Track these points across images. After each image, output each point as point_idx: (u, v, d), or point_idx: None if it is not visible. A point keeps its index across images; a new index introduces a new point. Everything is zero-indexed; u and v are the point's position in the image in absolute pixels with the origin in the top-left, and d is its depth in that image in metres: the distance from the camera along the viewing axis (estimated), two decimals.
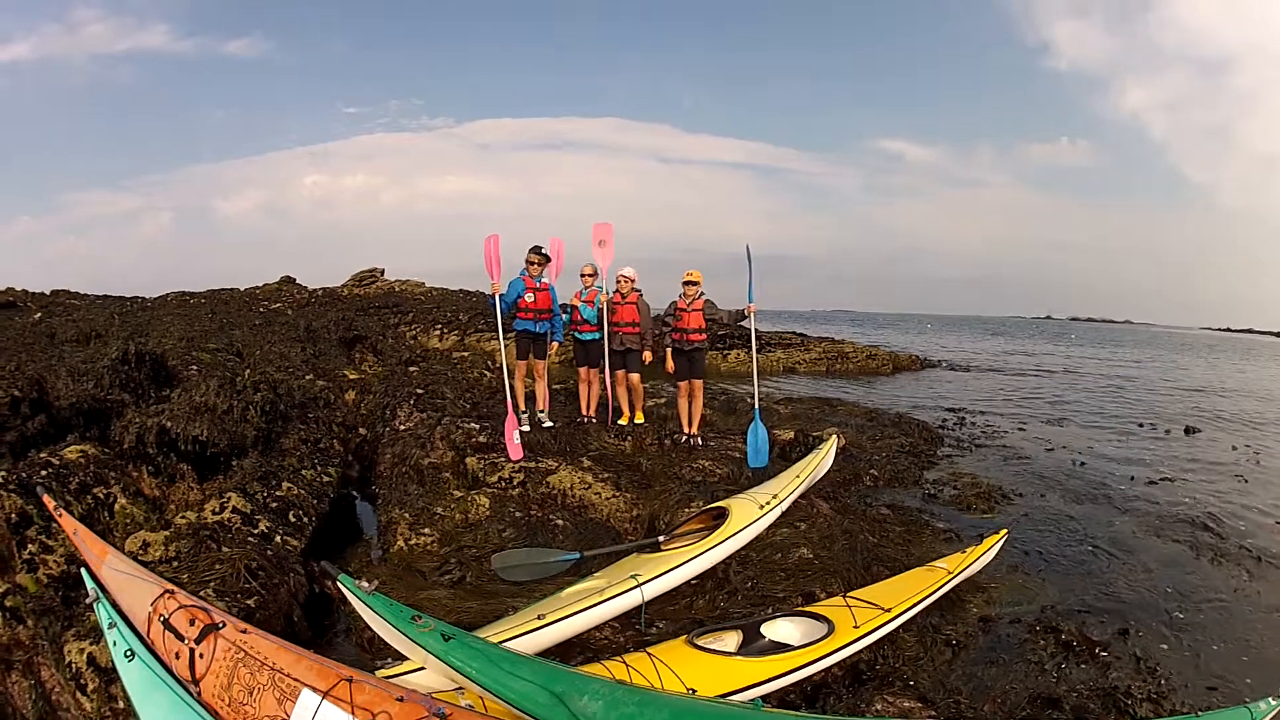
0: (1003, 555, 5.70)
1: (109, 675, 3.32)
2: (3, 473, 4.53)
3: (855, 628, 4.11)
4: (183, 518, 4.91)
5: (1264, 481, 9.24)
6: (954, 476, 8.76)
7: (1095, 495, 8.33)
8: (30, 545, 4.19)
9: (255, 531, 4.95)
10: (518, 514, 6.17)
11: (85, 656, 3.42)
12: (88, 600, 3.27)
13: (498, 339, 7.82)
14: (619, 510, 6.37)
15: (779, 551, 5.42)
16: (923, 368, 24.46)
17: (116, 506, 4.95)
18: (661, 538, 5.27)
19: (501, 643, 3.55)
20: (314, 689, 2.63)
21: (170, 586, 3.36)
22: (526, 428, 7.69)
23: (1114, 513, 7.66)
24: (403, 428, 8.36)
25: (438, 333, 22.92)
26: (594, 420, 8.53)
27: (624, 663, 3.49)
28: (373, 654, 4.03)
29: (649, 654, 3.61)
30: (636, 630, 4.46)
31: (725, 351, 20.68)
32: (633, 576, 4.49)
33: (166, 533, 4.67)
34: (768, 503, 5.68)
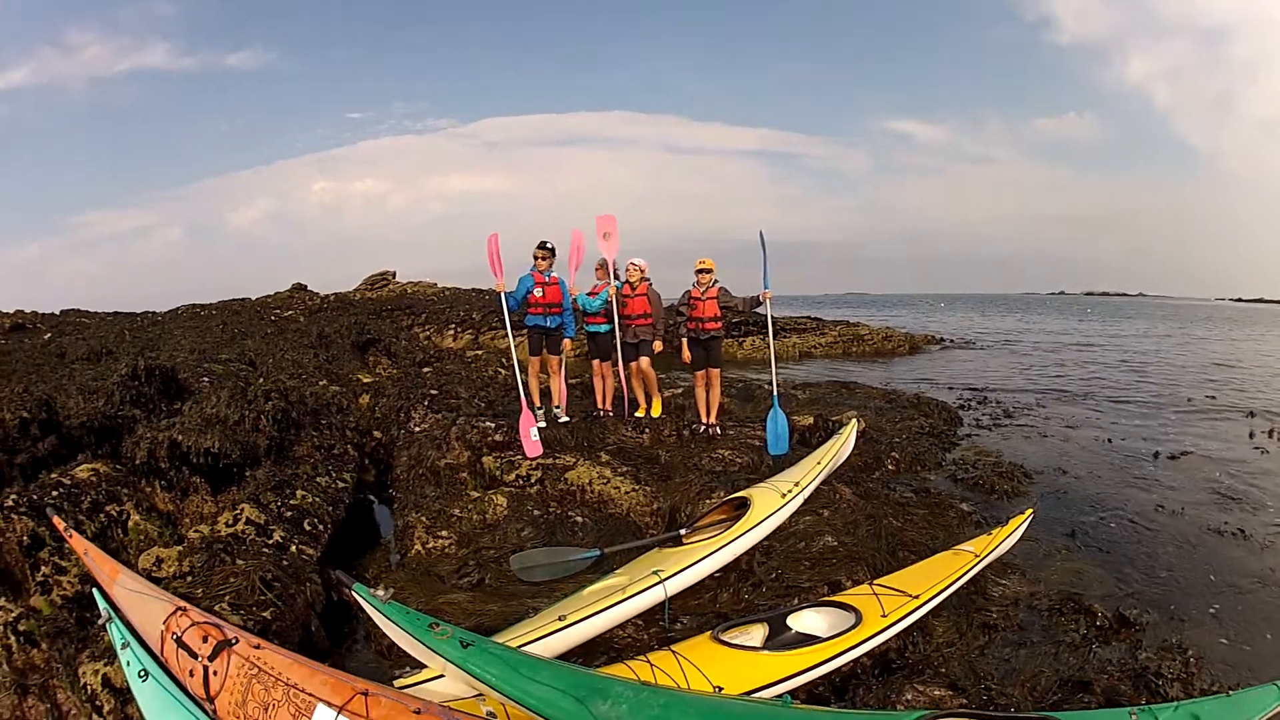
0: (1029, 536, 5.59)
1: (124, 696, 3.28)
2: (14, 495, 4.50)
3: (883, 616, 4.02)
4: (196, 532, 4.87)
5: None
6: (976, 456, 8.62)
7: (1119, 472, 8.19)
8: (44, 567, 4.16)
9: (270, 542, 4.89)
10: (536, 512, 6.10)
11: (100, 678, 3.38)
12: (101, 621, 3.23)
13: (509, 336, 7.76)
14: (639, 504, 6.29)
15: (803, 540, 5.33)
16: (939, 347, 24.31)
17: (130, 523, 4.91)
18: (683, 531, 5.19)
19: (522, 646, 3.49)
20: (329, 704, 2.57)
21: (182, 604, 3.31)
22: (543, 424, 7.62)
23: (1138, 490, 7.53)
24: (418, 429, 8.31)
25: (451, 332, 22.93)
26: (610, 414, 8.46)
27: (648, 662, 3.42)
28: (392, 661, 3.98)
29: (673, 652, 3.54)
30: (660, 627, 4.39)
31: (741, 339, 20.57)
32: (655, 572, 4.42)
33: (180, 548, 4.63)
34: (790, 490, 5.58)
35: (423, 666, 3.14)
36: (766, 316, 8.37)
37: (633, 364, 8.26)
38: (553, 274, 7.85)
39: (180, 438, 5.65)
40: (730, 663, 3.53)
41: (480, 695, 2.93)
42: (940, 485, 7.45)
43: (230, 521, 5.00)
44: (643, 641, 4.24)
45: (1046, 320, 45.98)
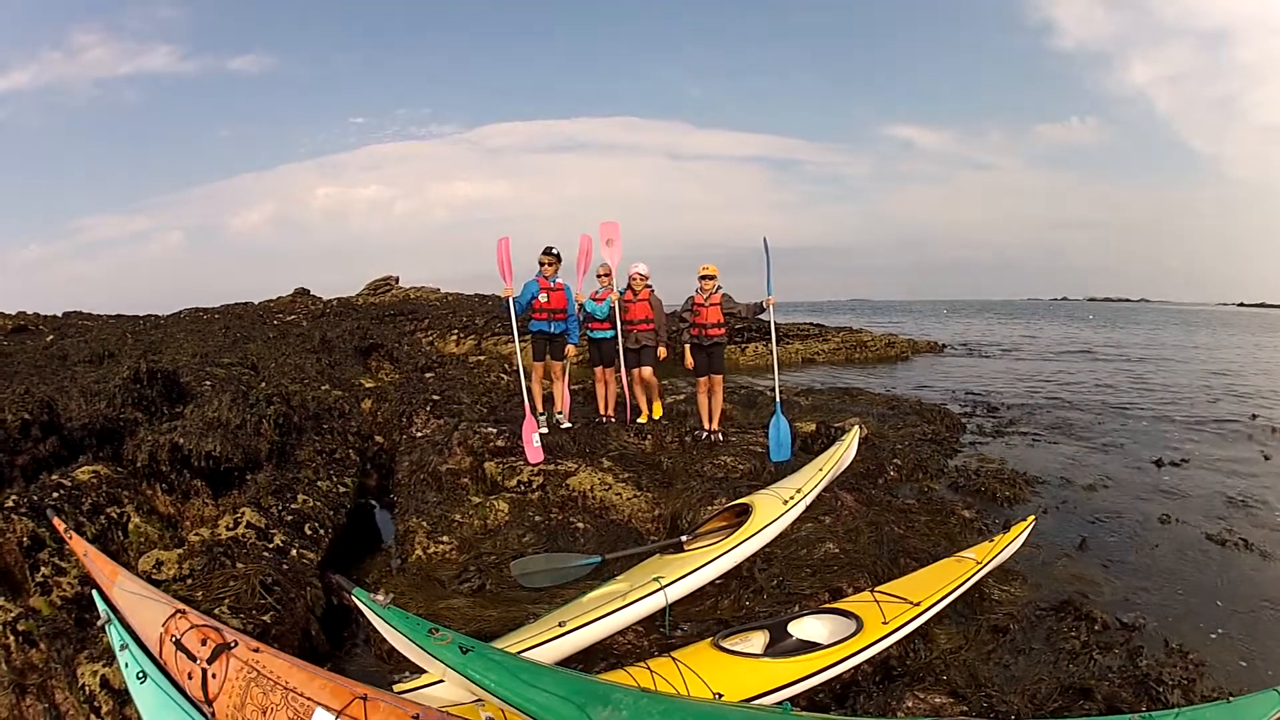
0: (1030, 542, 5.57)
1: (122, 697, 3.27)
2: (14, 496, 4.50)
3: (884, 623, 4.00)
4: (196, 535, 4.87)
5: None
6: (978, 463, 8.61)
7: (1121, 479, 8.16)
8: (44, 568, 4.15)
9: (270, 546, 4.89)
10: (537, 518, 6.09)
11: (98, 679, 3.37)
12: (100, 622, 3.24)
13: (513, 342, 7.76)
14: (640, 510, 6.28)
15: (804, 547, 5.32)
16: (941, 353, 24.30)
17: (130, 526, 4.90)
18: (684, 537, 5.16)
19: (522, 652, 3.48)
20: (328, 708, 2.56)
21: (181, 606, 3.31)
22: (545, 430, 7.61)
23: (1140, 497, 7.50)
24: (419, 434, 8.31)
25: (454, 337, 22.94)
26: (612, 420, 8.44)
27: (648, 668, 3.41)
28: (392, 666, 3.95)
29: (674, 658, 3.52)
30: (661, 634, 4.36)
31: (744, 345, 20.56)
32: (656, 579, 4.40)
33: (180, 551, 4.63)
34: (792, 497, 5.57)
35: (422, 672, 3.11)
36: (770, 323, 8.36)
37: (635, 370, 8.26)
38: (558, 280, 7.85)
39: (181, 441, 5.64)
40: (731, 669, 3.51)
41: (479, 701, 2.91)
42: (942, 492, 7.42)
43: (231, 525, 5.00)
44: (643, 648, 4.21)
45: (1049, 326, 45.94)
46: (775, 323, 8.40)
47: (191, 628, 3.08)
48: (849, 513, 5.91)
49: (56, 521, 4.22)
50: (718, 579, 4.92)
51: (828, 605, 4.38)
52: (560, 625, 3.84)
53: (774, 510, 5.37)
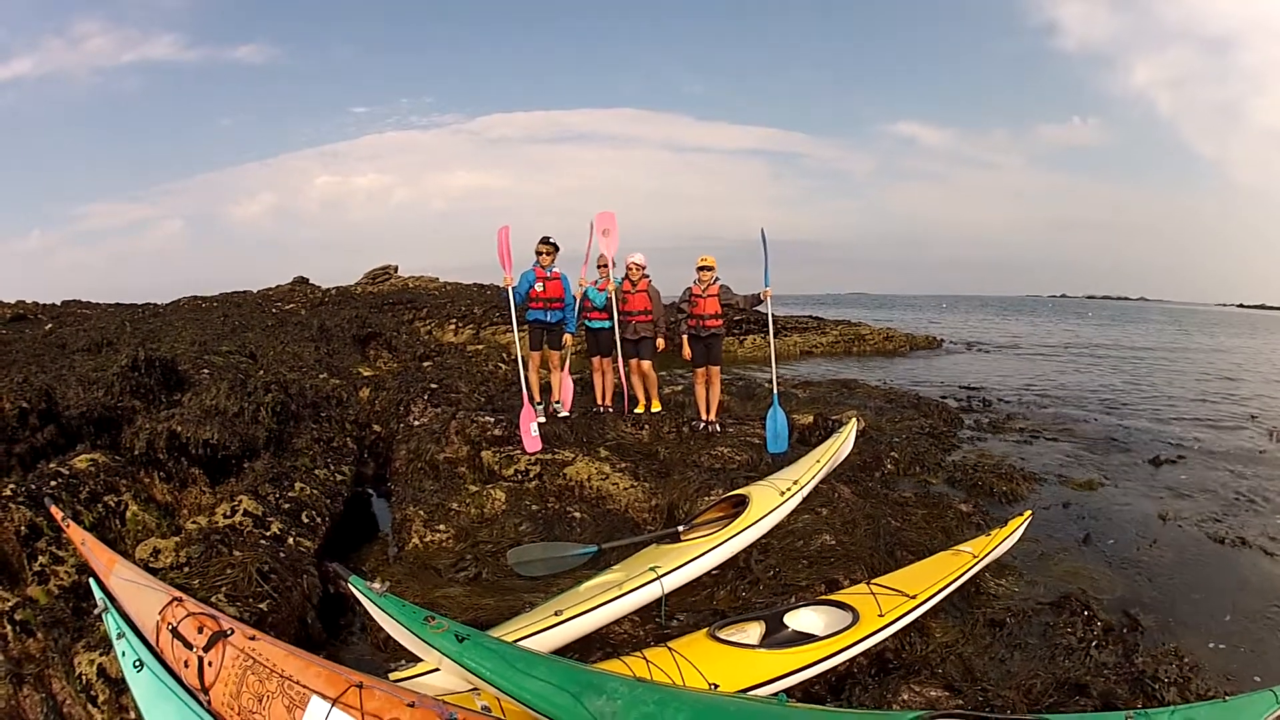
0: (1027, 537, 5.58)
1: (119, 686, 3.26)
2: (12, 485, 4.49)
3: (880, 616, 4.01)
4: (193, 523, 4.86)
5: None
6: (976, 458, 8.63)
7: (1119, 476, 8.18)
8: (41, 557, 4.15)
9: (267, 534, 4.88)
10: (534, 507, 6.09)
11: (95, 667, 3.37)
12: (97, 610, 3.22)
13: (512, 331, 7.76)
14: (637, 500, 6.28)
15: (801, 538, 5.32)
16: (940, 348, 24.31)
17: (128, 514, 4.90)
18: (681, 528, 5.17)
19: (518, 641, 3.49)
20: (323, 696, 2.55)
21: (178, 594, 3.30)
22: (543, 419, 7.61)
23: (1138, 494, 7.52)
24: (417, 423, 8.30)
25: (452, 327, 22.90)
26: (610, 410, 8.45)
27: (644, 658, 3.41)
28: (388, 654, 3.96)
29: (669, 648, 3.53)
30: (656, 624, 4.37)
31: (742, 337, 20.56)
32: (652, 569, 4.41)
33: (177, 539, 4.62)
34: (788, 489, 5.58)
35: (418, 660, 3.11)
36: (767, 314, 8.36)
37: (633, 361, 8.26)
38: (554, 269, 7.85)
39: (179, 429, 5.64)
40: (726, 660, 3.51)
41: (475, 689, 2.91)
42: (940, 486, 7.45)
43: (228, 513, 4.99)
44: (639, 638, 4.22)
45: (1048, 323, 45.93)
46: (773, 315, 8.40)
47: (188, 615, 3.07)
48: (846, 505, 5.91)
49: (54, 510, 4.21)
50: (714, 569, 4.93)
51: (824, 597, 4.39)
52: (556, 614, 3.85)
53: (771, 501, 5.38)
